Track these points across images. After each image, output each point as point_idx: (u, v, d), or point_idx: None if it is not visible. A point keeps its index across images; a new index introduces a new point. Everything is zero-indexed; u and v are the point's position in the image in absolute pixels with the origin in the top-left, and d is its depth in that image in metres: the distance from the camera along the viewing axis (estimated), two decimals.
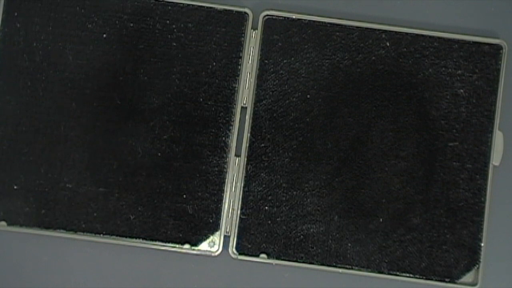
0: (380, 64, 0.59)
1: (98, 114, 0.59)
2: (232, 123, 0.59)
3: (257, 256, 0.58)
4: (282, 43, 0.59)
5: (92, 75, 0.59)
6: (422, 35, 0.59)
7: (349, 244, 0.58)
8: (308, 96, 0.59)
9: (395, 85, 0.59)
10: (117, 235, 0.58)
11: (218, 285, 0.60)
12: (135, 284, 0.60)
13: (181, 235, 0.59)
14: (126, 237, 0.58)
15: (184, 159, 0.59)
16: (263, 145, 0.59)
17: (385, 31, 0.59)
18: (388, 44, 0.59)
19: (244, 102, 0.59)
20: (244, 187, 0.59)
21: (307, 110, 0.59)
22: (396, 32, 0.59)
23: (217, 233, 0.59)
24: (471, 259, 0.58)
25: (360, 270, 0.58)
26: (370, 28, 0.59)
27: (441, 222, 0.59)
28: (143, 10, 0.59)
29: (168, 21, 0.59)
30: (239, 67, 0.59)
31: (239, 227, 0.58)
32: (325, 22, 0.59)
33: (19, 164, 0.59)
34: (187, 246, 0.59)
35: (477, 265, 0.58)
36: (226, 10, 0.59)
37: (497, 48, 0.59)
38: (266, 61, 0.59)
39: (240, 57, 0.59)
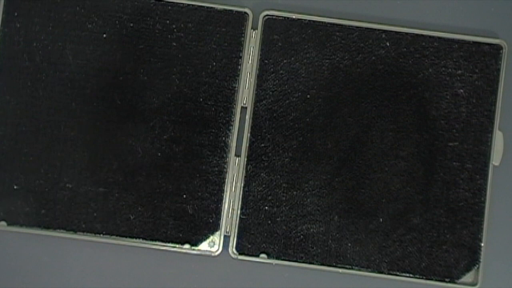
0: (380, 64, 0.59)
1: (98, 114, 0.59)
2: (232, 123, 0.59)
3: (257, 256, 0.58)
4: (282, 43, 0.59)
5: (92, 75, 0.59)
6: (422, 35, 0.59)
7: (349, 244, 0.58)
8: (308, 96, 0.59)
9: (395, 85, 0.59)
10: (117, 235, 0.58)
11: (218, 285, 0.60)
12: (135, 284, 0.60)
13: (181, 235, 0.59)
14: (126, 237, 0.58)
15: (184, 159, 0.59)
16: (263, 145, 0.59)
17: (385, 31, 0.59)
18: (388, 44, 0.59)
19: (244, 102, 0.59)
20: (244, 187, 0.59)
21: (307, 110, 0.59)
22: (396, 32, 0.59)
23: (217, 233, 0.59)
24: (471, 259, 0.58)
25: (360, 270, 0.58)
26: (370, 28, 0.59)
27: (441, 222, 0.59)
28: (143, 10, 0.59)
29: (168, 21, 0.59)
30: (239, 67, 0.59)
31: (239, 227, 0.58)
32: (325, 22, 0.59)
33: (19, 164, 0.59)
34: (187, 246, 0.59)
35: (477, 265, 0.58)
36: (226, 10, 0.59)
37: (497, 48, 0.59)
38: (266, 61, 0.59)
39: (240, 57, 0.59)
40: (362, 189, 0.59)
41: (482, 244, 0.58)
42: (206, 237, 0.59)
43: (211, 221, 0.59)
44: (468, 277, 0.59)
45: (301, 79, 0.59)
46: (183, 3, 0.59)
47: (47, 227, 0.58)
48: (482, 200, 0.59)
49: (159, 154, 0.59)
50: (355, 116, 0.59)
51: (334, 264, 0.58)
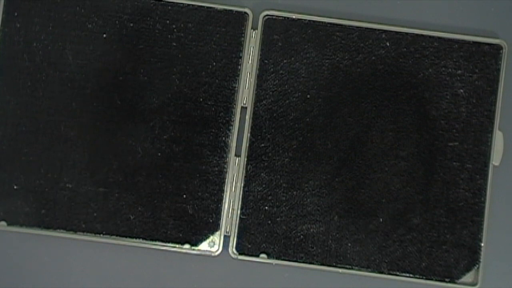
0: (380, 64, 0.59)
1: (98, 114, 0.59)
2: (232, 123, 0.59)
3: (257, 256, 0.58)
4: (282, 43, 0.59)
5: (92, 75, 0.59)
6: (422, 35, 0.59)
7: (349, 244, 0.58)
8: (308, 96, 0.59)
9: (395, 85, 0.59)
10: (117, 235, 0.58)
11: (218, 285, 0.60)
12: (135, 284, 0.60)
13: (181, 235, 0.59)
14: (126, 237, 0.58)
15: (184, 159, 0.59)
16: (263, 145, 0.59)
17: (385, 31, 0.59)
18: (388, 44, 0.59)
19: (244, 102, 0.59)
20: (244, 187, 0.59)
21: (307, 110, 0.59)
22: (396, 32, 0.59)
23: (217, 233, 0.59)
24: (471, 259, 0.58)
25: (360, 270, 0.58)
26: (370, 28, 0.59)
27: (441, 222, 0.59)
28: (143, 10, 0.59)
29: (168, 21, 0.59)
30: (239, 67, 0.59)
31: (239, 227, 0.58)
32: (325, 22, 0.60)
33: (19, 164, 0.59)
34: (187, 246, 0.59)
35: (477, 265, 0.58)
36: (226, 10, 0.59)
37: (497, 48, 0.59)
38: (266, 61, 0.59)
39: (240, 57, 0.59)
40: (362, 189, 0.59)
41: (482, 244, 0.58)
42: (206, 237, 0.59)
43: (211, 221, 0.59)
44: (468, 277, 0.59)
45: (301, 79, 0.59)
46: (183, 3, 0.59)
47: (47, 227, 0.58)
48: (482, 200, 0.59)
49: (159, 154, 0.59)
50: (355, 116, 0.59)
51: (334, 264, 0.58)
